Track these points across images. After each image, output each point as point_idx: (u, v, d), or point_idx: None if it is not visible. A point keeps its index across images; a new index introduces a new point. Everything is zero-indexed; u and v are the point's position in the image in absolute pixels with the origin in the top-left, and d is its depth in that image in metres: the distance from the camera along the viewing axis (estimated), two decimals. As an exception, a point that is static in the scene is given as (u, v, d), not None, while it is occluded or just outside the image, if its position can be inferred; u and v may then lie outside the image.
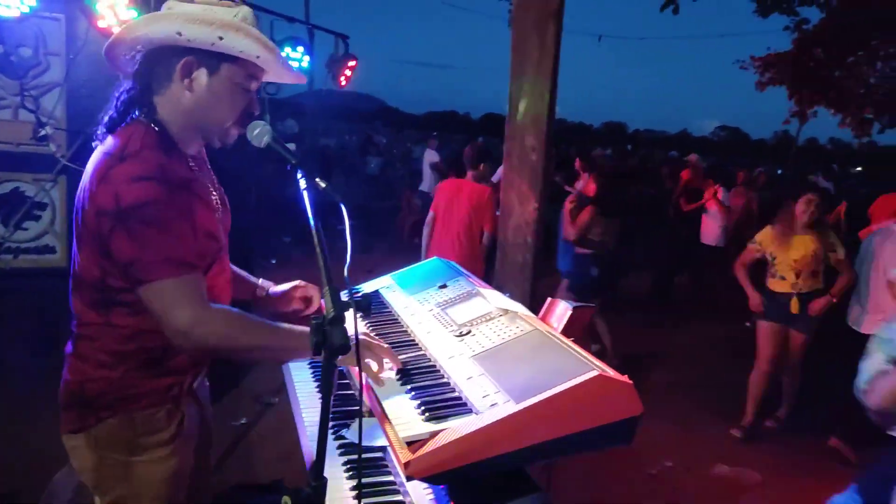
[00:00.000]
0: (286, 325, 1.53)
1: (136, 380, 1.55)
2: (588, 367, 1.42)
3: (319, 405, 1.17)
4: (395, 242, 10.28)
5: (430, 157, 10.12)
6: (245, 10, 1.54)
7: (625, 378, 1.44)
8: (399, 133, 16.50)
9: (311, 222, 1.30)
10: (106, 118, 1.57)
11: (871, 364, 1.82)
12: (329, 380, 1.13)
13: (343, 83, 5.55)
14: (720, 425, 4.59)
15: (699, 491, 3.83)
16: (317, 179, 1.42)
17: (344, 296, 1.20)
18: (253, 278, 2.06)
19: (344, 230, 1.30)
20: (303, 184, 1.40)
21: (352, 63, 5.54)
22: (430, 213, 4.78)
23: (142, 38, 1.50)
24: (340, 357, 1.15)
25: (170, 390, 1.60)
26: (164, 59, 1.52)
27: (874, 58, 12.52)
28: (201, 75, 1.52)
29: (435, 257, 2.45)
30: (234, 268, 2.03)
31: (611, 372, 1.44)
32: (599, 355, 2.89)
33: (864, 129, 13.24)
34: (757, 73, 13.10)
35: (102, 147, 1.52)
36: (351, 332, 1.19)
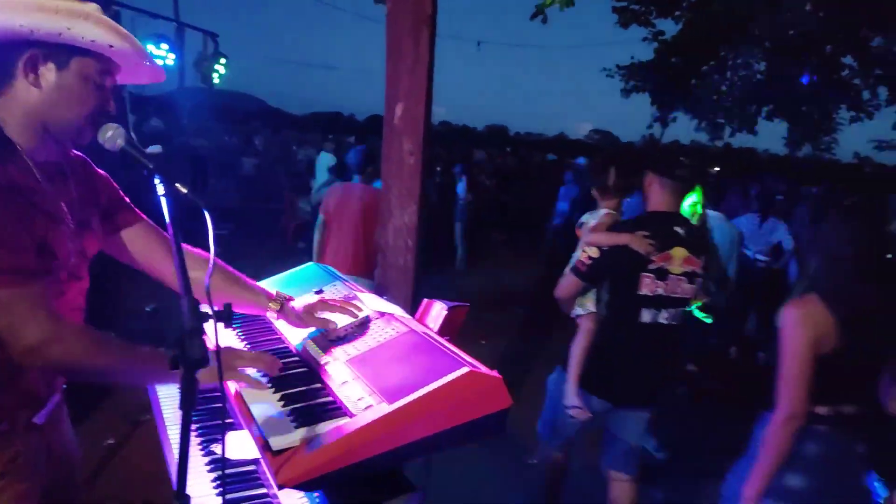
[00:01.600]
0: (147, 346, 1.44)
1: None
2: (459, 365, 1.46)
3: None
4: (278, 246, 10.00)
5: (327, 160, 9.79)
6: (91, 6, 1.44)
7: (494, 373, 1.50)
8: (278, 134, 16.05)
9: (170, 230, 1.25)
10: None
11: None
12: (189, 395, 1.09)
13: (214, 82, 5.34)
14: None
15: (581, 477, 4.03)
16: (177, 185, 1.36)
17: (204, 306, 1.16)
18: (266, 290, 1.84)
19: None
20: (160, 190, 1.33)
21: (222, 62, 5.33)
22: (320, 217, 4.78)
23: None
24: (201, 372, 1.11)
25: None
26: None
27: (723, 67, 13.78)
28: (49, 70, 1.39)
29: (311, 263, 2.42)
30: (243, 277, 1.82)
31: (482, 368, 1.49)
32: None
33: (717, 132, 14.54)
34: (622, 80, 13.99)
35: None
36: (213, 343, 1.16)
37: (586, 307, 2.80)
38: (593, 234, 2.75)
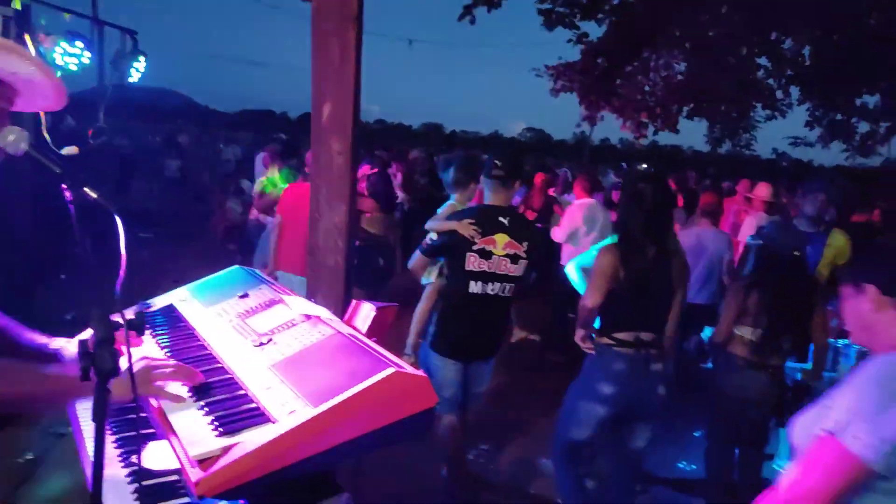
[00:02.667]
0: (56, 369, 1.37)
1: None
2: (384, 365, 1.47)
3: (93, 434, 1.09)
4: (207, 249, 9.70)
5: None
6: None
7: (420, 372, 1.52)
8: (207, 133, 15.55)
9: (78, 237, 1.20)
10: None
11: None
12: (101, 406, 1.05)
13: (132, 80, 5.14)
14: (533, 407, 4.96)
15: (513, 470, 4.11)
16: (86, 189, 1.31)
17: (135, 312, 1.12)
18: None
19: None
20: (68, 195, 1.29)
21: (140, 60, 5.14)
22: (277, 217, 4.96)
23: None
24: (116, 385, 1.08)
25: None
26: None
27: (646, 69, 14.28)
28: None
29: (237, 266, 2.37)
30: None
31: (407, 368, 1.51)
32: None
33: (642, 131, 15.07)
34: (550, 80, 14.29)
35: None
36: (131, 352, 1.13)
37: (430, 278, 3.51)
38: (432, 221, 3.42)
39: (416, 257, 3.42)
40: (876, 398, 1.44)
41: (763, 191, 5.66)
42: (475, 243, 3.16)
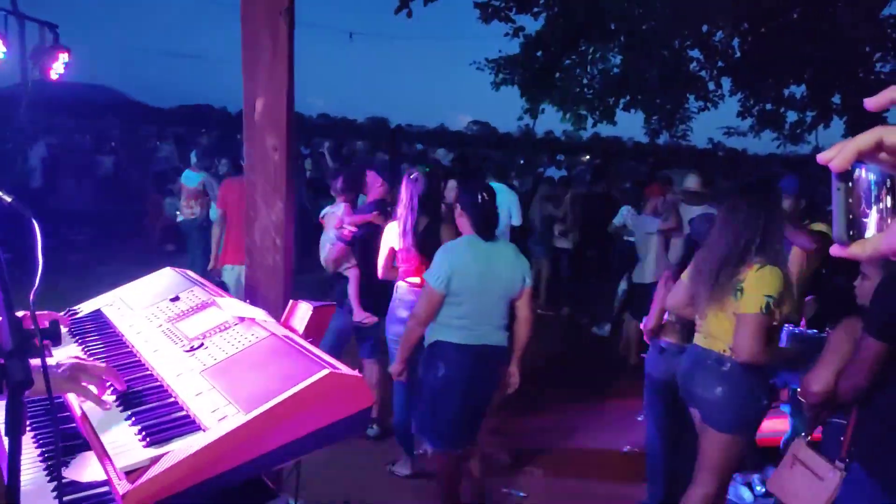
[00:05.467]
0: None
1: None
2: (319, 367, 1.45)
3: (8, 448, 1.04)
4: (142, 250, 9.37)
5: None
6: None
7: (355, 372, 1.51)
8: (140, 129, 15.00)
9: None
10: None
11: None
12: (16, 420, 1.01)
13: (54, 76, 4.89)
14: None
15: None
16: (0, 194, 1.26)
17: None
18: None
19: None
20: None
21: (63, 54, 4.91)
22: (219, 211, 5.08)
23: None
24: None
25: None
26: None
27: (584, 62, 14.52)
28: None
29: (167, 268, 2.31)
30: None
31: (343, 368, 1.50)
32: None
33: (581, 123, 15.35)
34: (491, 73, 14.37)
35: None
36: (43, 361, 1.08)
37: (351, 262, 4.31)
38: (348, 217, 4.27)
39: (336, 249, 4.16)
40: (439, 258, 3.11)
41: (690, 181, 5.84)
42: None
